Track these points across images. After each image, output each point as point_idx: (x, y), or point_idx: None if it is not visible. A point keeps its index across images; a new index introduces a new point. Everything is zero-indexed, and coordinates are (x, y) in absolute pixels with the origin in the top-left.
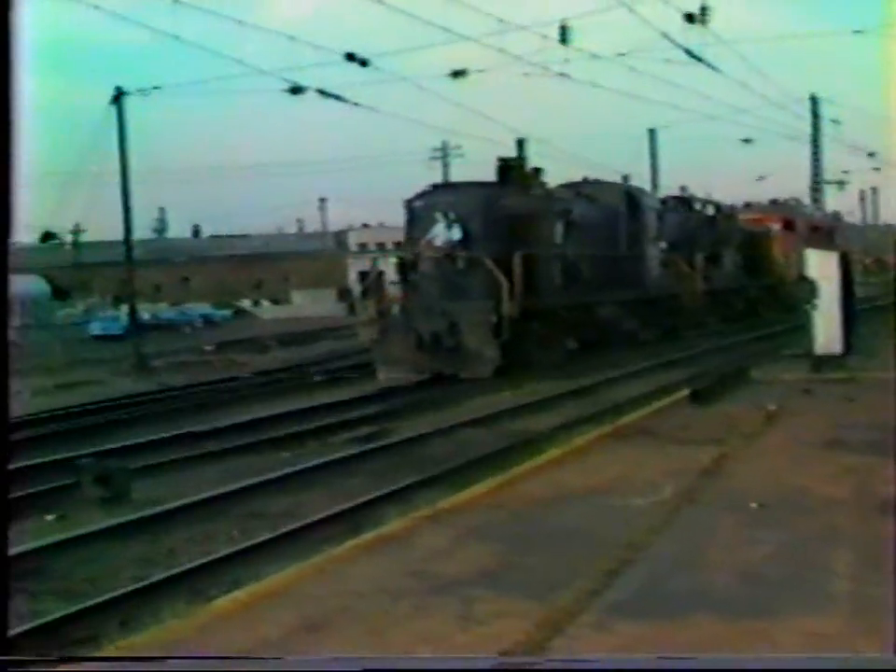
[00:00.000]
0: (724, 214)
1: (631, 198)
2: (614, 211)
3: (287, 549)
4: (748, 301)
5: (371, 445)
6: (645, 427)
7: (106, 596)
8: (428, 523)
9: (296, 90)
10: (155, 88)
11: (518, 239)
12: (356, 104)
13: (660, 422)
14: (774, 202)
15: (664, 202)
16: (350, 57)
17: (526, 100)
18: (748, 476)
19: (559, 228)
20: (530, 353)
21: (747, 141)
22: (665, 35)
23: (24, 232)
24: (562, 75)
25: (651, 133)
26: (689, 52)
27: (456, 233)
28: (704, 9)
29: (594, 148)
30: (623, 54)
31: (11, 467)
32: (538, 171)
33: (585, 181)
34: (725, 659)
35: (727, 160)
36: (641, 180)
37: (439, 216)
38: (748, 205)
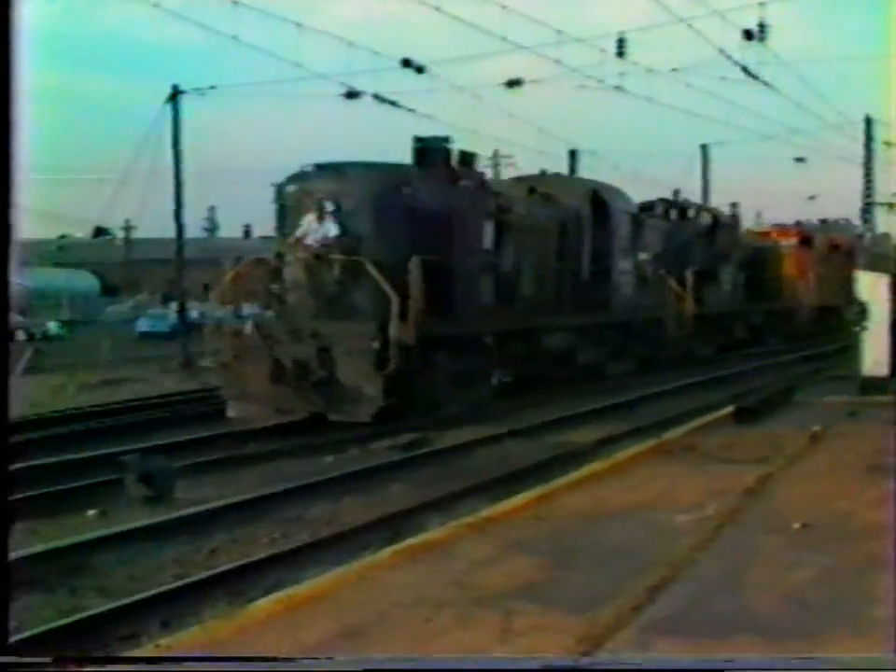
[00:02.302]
0: (724, 224)
1: (597, 198)
2: (574, 214)
3: (328, 553)
4: (751, 326)
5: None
6: (688, 445)
7: (148, 594)
8: (470, 532)
9: (352, 94)
10: (211, 87)
11: (425, 241)
12: (411, 110)
13: (704, 440)
14: (824, 221)
15: (648, 206)
16: (406, 63)
17: (581, 112)
18: (791, 497)
19: (489, 230)
20: (434, 391)
21: (800, 160)
22: (723, 52)
23: (77, 227)
24: (617, 88)
25: (704, 149)
26: (745, 70)
27: (332, 229)
28: (762, 27)
29: (646, 163)
30: (679, 69)
31: (53, 460)
32: (468, 156)
33: (543, 175)
34: (764, 661)
35: (780, 179)
36: (693, 196)
37: (314, 205)
38: (798, 223)
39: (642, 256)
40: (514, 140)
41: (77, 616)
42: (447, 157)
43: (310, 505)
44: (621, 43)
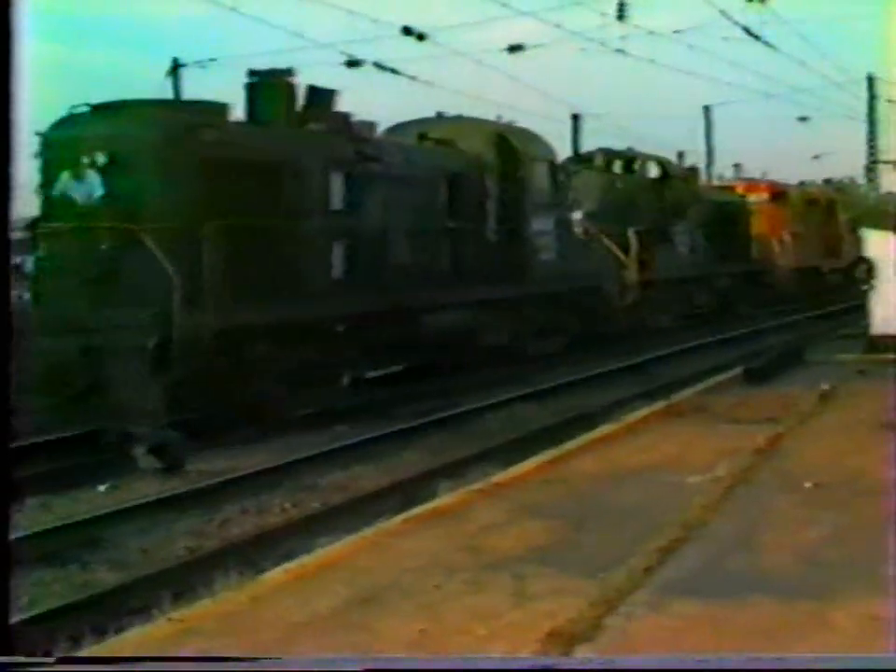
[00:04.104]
0: (676, 176)
1: (505, 144)
2: (474, 162)
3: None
4: (717, 293)
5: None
6: (698, 405)
7: (159, 567)
8: (481, 497)
9: (352, 63)
10: (211, 60)
11: (237, 201)
12: (412, 77)
13: (713, 400)
14: (828, 181)
15: (586, 157)
16: (407, 31)
17: (583, 76)
18: (803, 456)
19: (339, 185)
20: (250, 398)
21: (803, 119)
22: (724, 13)
23: None
24: (619, 51)
25: (707, 109)
26: (747, 30)
27: (98, 187)
28: None
29: (650, 125)
30: (681, 31)
31: (64, 435)
32: (320, 94)
33: (439, 118)
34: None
35: (784, 139)
36: (697, 157)
37: (79, 156)
38: (802, 183)
39: (571, 214)
40: (518, 105)
41: (90, 593)
42: (288, 95)
43: (322, 473)
44: (621, 6)
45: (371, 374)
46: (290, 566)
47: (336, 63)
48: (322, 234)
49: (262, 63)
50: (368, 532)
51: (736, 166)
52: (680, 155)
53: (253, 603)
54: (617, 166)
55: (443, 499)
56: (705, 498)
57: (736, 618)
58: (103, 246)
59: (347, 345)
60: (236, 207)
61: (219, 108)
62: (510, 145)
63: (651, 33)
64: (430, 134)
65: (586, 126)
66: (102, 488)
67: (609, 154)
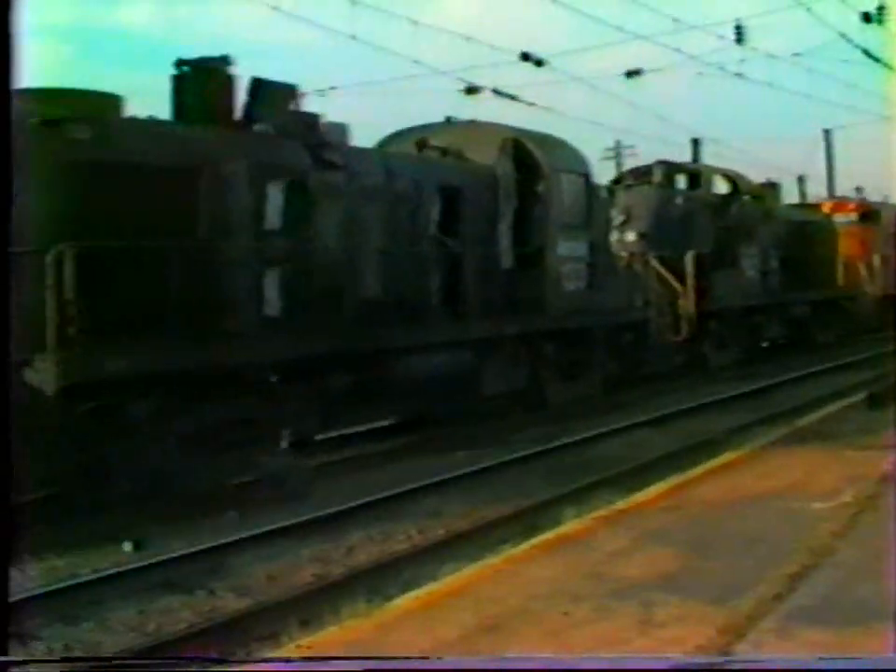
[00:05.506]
0: (748, 192)
1: (522, 153)
2: (484, 174)
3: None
4: (793, 322)
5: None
6: (821, 431)
7: (286, 594)
8: (606, 524)
9: (471, 90)
10: (332, 88)
11: (116, 217)
12: (531, 104)
13: (836, 426)
14: None
15: (643, 171)
16: (525, 57)
17: (701, 99)
18: None
19: (277, 199)
20: (134, 473)
21: None
22: (843, 35)
23: None
24: (738, 75)
25: (827, 133)
26: (866, 52)
27: None
28: (881, 9)
29: (769, 149)
30: (800, 54)
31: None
32: (272, 88)
33: (447, 123)
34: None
35: None
36: (818, 181)
37: None
38: None
39: (630, 235)
40: (635, 130)
41: (218, 619)
42: (222, 88)
43: (446, 500)
44: (739, 29)
45: (322, 436)
46: (417, 593)
47: (454, 89)
48: (248, 259)
49: (384, 90)
50: (493, 559)
51: (858, 189)
52: (801, 179)
53: (379, 630)
54: (680, 181)
55: (568, 526)
56: (831, 525)
57: (865, 645)
58: None
59: (284, 400)
60: (115, 224)
61: (106, 100)
62: (529, 154)
63: (770, 56)
64: (432, 142)
65: (705, 150)
66: (230, 515)
67: (670, 167)
